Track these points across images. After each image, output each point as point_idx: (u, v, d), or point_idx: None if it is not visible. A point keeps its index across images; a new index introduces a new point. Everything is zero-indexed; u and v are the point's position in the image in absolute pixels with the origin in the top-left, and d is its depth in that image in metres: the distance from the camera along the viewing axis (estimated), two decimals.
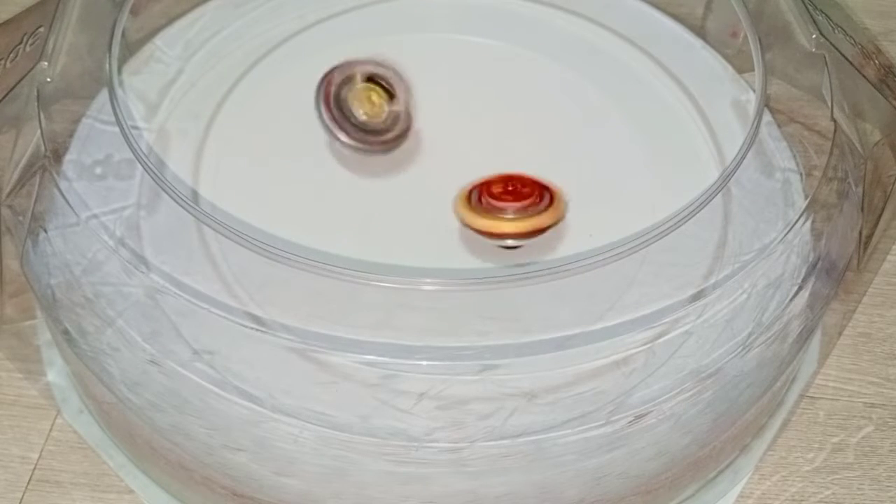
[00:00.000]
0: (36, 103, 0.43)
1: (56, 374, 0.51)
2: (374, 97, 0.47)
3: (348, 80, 0.47)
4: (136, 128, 0.49)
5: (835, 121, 0.45)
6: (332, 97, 0.47)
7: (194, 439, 0.41)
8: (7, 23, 0.48)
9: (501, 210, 0.43)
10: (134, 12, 0.50)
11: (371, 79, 0.47)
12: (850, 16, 0.65)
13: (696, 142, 0.50)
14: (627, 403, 0.40)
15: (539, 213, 0.43)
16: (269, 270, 0.39)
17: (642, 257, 0.44)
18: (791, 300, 0.43)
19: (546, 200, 0.43)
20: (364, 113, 0.47)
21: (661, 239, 0.39)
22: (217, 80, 0.52)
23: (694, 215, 0.40)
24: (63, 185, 0.46)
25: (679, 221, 0.40)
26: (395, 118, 0.47)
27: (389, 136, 0.47)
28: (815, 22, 0.47)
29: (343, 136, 0.47)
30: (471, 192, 0.44)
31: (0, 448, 0.49)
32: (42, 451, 0.49)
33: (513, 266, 0.44)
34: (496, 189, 0.44)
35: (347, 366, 0.41)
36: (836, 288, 0.45)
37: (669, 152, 0.49)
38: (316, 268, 0.38)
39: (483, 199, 0.44)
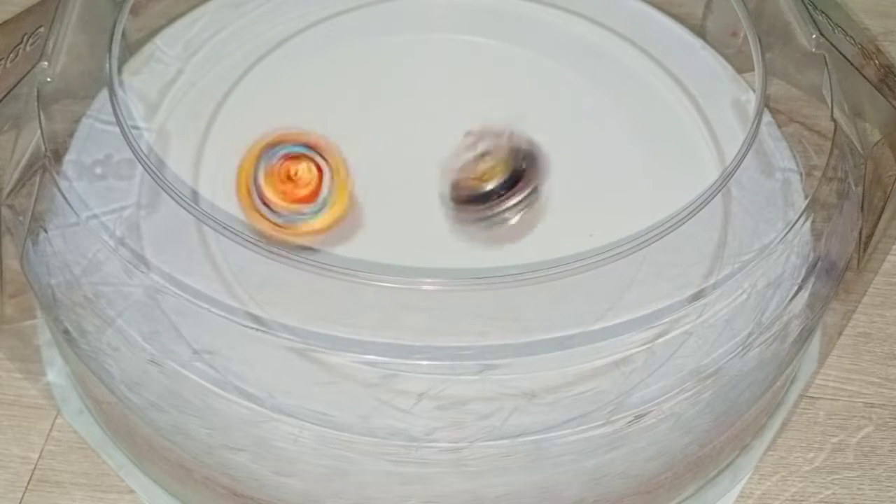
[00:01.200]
0: (36, 103, 0.43)
1: (56, 374, 0.51)
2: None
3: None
4: (136, 128, 0.49)
5: (835, 121, 0.45)
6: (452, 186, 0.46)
7: (194, 439, 0.41)
8: (7, 23, 0.48)
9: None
10: (134, 12, 0.50)
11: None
12: (850, 16, 0.66)
13: (696, 142, 0.50)
14: (627, 403, 0.40)
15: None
16: (269, 270, 0.39)
17: (642, 257, 0.44)
18: (791, 300, 0.43)
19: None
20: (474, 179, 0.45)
21: (661, 239, 0.39)
22: (217, 80, 0.52)
23: (694, 215, 0.40)
24: (63, 185, 0.46)
25: (679, 221, 0.40)
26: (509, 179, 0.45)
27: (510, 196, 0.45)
28: (815, 22, 0.47)
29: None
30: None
31: (0, 448, 0.49)
32: (42, 451, 0.49)
33: (513, 266, 0.44)
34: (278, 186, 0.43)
35: (347, 366, 0.41)
36: (836, 288, 0.45)
37: (669, 152, 0.49)
38: (316, 268, 0.38)
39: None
